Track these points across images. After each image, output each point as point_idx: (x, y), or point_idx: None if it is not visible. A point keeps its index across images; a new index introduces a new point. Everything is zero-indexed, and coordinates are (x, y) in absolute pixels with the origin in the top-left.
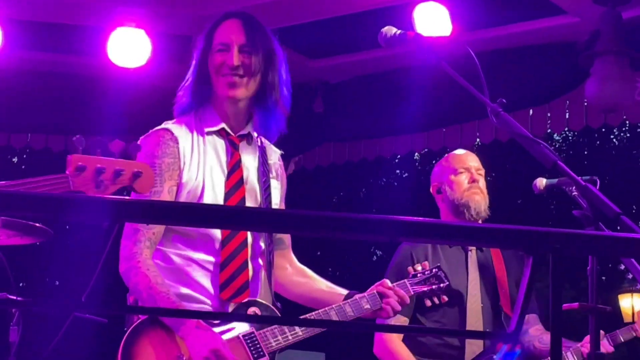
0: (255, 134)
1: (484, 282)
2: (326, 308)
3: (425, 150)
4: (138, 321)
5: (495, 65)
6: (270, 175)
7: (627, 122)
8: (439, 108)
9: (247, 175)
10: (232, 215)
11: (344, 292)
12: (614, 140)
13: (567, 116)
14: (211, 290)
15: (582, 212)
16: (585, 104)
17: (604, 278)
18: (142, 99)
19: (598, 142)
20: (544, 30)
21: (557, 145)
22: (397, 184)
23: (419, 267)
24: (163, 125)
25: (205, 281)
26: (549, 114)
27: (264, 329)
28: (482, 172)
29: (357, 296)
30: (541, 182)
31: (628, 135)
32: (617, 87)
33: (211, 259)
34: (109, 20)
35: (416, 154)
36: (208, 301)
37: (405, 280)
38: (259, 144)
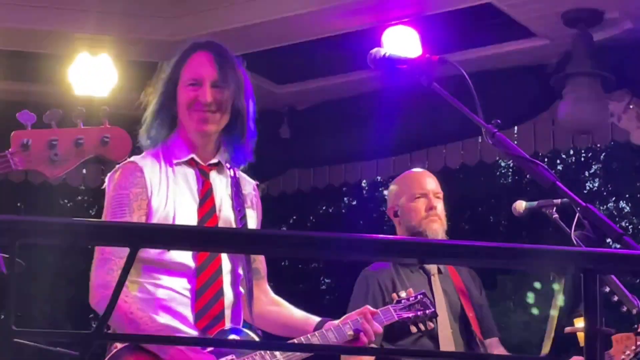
0: (226, 164)
1: (450, 306)
2: (308, 335)
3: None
4: (118, 348)
5: (464, 89)
6: (245, 205)
7: (596, 145)
8: (406, 133)
9: (219, 204)
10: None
11: (317, 319)
12: (560, 165)
13: (534, 139)
14: (190, 318)
15: (582, 233)
16: (553, 127)
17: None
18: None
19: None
20: (514, 53)
21: (503, 172)
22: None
23: (403, 294)
24: (128, 160)
25: (184, 309)
26: (515, 137)
27: (245, 356)
28: (441, 195)
29: (339, 322)
30: (520, 205)
31: (573, 159)
32: (591, 109)
33: (187, 286)
34: (73, 47)
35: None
36: (190, 330)
37: (389, 306)
38: (232, 174)
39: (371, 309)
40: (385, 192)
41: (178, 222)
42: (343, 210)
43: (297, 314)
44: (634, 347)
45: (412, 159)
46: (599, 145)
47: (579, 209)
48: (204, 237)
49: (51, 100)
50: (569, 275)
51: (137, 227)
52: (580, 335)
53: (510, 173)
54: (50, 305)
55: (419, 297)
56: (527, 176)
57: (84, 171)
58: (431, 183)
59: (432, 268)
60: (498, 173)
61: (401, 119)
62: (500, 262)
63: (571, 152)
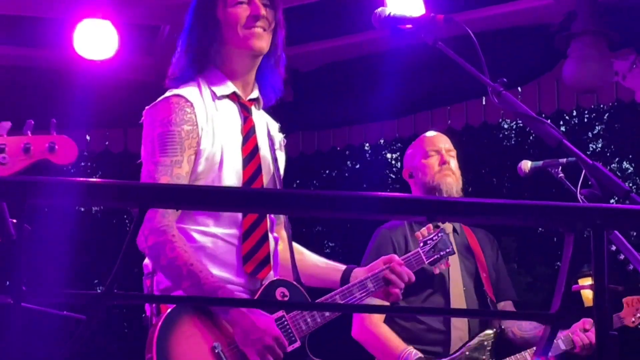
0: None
1: (465, 266)
2: (348, 286)
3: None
4: (170, 308)
5: (469, 49)
6: (275, 146)
7: (600, 105)
8: (409, 95)
9: (260, 143)
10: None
11: (342, 267)
12: (563, 126)
13: (538, 99)
14: (235, 265)
15: (590, 191)
16: (557, 86)
17: (558, 264)
18: (110, 92)
19: None
20: (518, 13)
21: (506, 133)
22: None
23: (425, 232)
24: (172, 92)
25: (230, 257)
26: (520, 97)
27: (294, 312)
28: (454, 153)
29: (360, 278)
30: (526, 164)
31: (576, 121)
32: (596, 68)
33: (233, 231)
34: (75, 11)
35: (382, 140)
36: (237, 279)
37: (419, 249)
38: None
39: (397, 257)
40: (389, 155)
41: (225, 161)
42: (346, 174)
43: (321, 262)
44: None
45: (416, 120)
46: (602, 105)
47: (585, 167)
48: (214, 198)
49: (53, 64)
50: (578, 232)
51: (147, 187)
52: (585, 294)
53: (513, 135)
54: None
55: (440, 235)
56: (530, 138)
57: (88, 137)
58: (444, 141)
59: (448, 227)
60: (501, 135)
61: (405, 81)
62: (510, 218)
63: (574, 113)
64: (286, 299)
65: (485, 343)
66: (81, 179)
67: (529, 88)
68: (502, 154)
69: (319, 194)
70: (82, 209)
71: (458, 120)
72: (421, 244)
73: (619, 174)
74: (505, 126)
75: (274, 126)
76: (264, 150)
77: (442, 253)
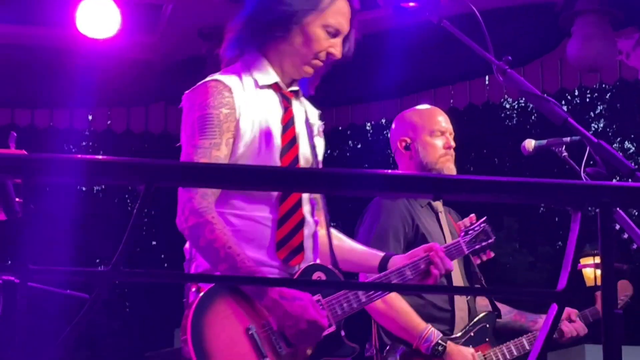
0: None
1: (463, 265)
2: (386, 273)
3: None
4: (205, 290)
5: (473, 27)
6: (314, 133)
7: (602, 85)
8: (413, 74)
9: (299, 133)
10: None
11: (380, 253)
12: (565, 106)
13: (541, 78)
14: (270, 248)
15: (595, 169)
16: (561, 65)
17: (560, 243)
18: (112, 71)
19: None
20: None
21: (508, 113)
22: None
23: (467, 222)
24: (212, 77)
25: (265, 241)
26: (523, 76)
27: (330, 296)
28: (453, 136)
29: (399, 265)
30: (530, 143)
31: (578, 100)
32: (600, 47)
33: (269, 215)
34: None
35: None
36: (272, 262)
37: (460, 239)
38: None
39: (438, 245)
40: None
41: (264, 148)
42: (348, 154)
43: (359, 248)
44: (623, 297)
45: (419, 99)
46: (604, 85)
47: (590, 145)
48: (218, 174)
49: (55, 43)
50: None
51: (152, 164)
52: (586, 273)
53: (515, 115)
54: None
55: (482, 225)
56: (532, 117)
57: (90, 117)
58: (448, 122)
59: (439, 205)
60: (503, 114)
61: (408, 60)
62: (518, 196)
63: (576, 92)
64: None
65: (487, 325)
66: (87, 155)
67: (532, 67)
68: (504, 133)
69: (325, 172)
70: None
71: (461, 99)
72: (462, 234)
73: (620, 154)
74: (507, 106)
75: (313, 113)
76: (303, 140)
77: (483, 244)
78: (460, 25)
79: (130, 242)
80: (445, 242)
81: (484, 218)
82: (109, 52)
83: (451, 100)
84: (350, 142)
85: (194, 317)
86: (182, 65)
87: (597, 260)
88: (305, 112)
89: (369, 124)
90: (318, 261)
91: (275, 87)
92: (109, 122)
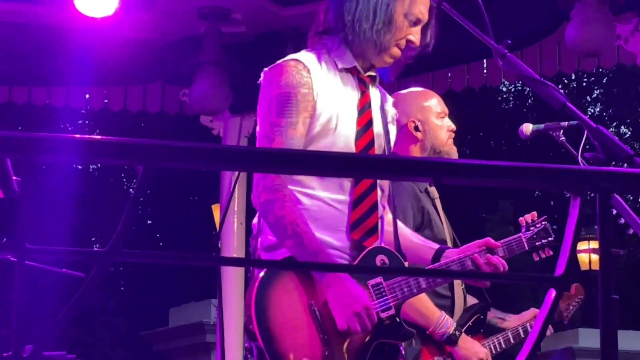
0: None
1: (450, 232)
2: (447, 261)
3: None
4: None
5: (469, 10)
6: (388, 120)
7: (599, 69)
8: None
9: (374, 117)
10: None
11: (435, 245)
12: (562, 89)
13: (540, 62)
14: (342, 231)
15: (593, 154)
16: (559, 49)
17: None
18: (110, 50)
19: None
20: None
21: (504, 96)
22: None
23: (528, 218)
24: (292, 56)
25: (334, 221)
26: (521, 59)
27: (391, 279)
28: None
29: (468, 253)
30: (527, 127)
31: (574, 85)
32: (599, 31)
33: (343, 197)
34: None
35: None
36: (339, 244)
37: (521, 234)
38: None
39: (492, 241)
40: None
41: (339, 129)
42: None
43: (415, 238)
44: (572, 306)
45: (416, 82)
46: (601, 70)
47: (589, 130)
48: (219, 155)
49: (53, 21)
50: (584, 194)
51: (151, 145)
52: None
53: (511, 98)
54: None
55: (544, 223)
56: (529, 101)
57: (87, 95)
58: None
59: (434, 192)
60: (499, 98)
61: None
62: (517, 181)
63: (573, 77)
64: (386, 266)
65: (482, 317)
66: (85, 136)
67: (531, 50)
68: (501, 117)
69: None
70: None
71: (459, 82)
72: (524, 229)
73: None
74: (504, 89)
75: (389, 100)
76: (377, 125)
77: (543, 241)
78: (460, 8)
79: (128, 222)
80: (444, 229)
81: (544, 217)
82: (107, 30)
83: (449, 82)
84: None
85: (258, 293)
86: (180, 44)
87: (592, 244)
88: (380, 98)
89: None
90: (382, 244)
91: (353, 70)
92: (105, 100)
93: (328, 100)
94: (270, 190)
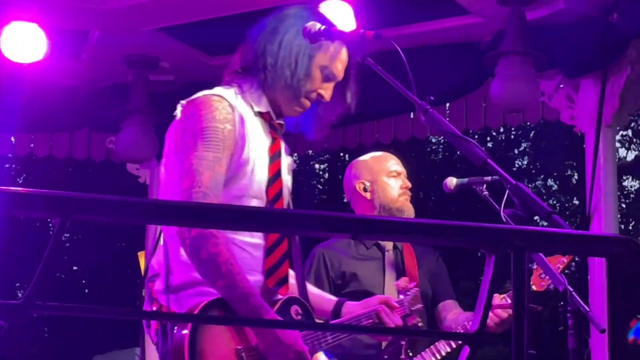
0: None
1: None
2: (353, 316)
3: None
4: (203, 304)
5: (397, 65)
6: (288, 173)
7: (527, 123)
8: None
9: (283, 166)
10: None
11: (334, 298)
12: (490, 142)
13: (466, 116)
14: (256, 276)
15: (513, 210)
16: (485, 104)
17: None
18: (37, 96)
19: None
20: (447, 30)
21: (433, 148)
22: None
23: (402, 283)
24: (215, 91)
25: (251, 266)
26: (448, 113)
27: (302, 332)
28: (407, 179)
29: (355, 314)
30: (451, 181)
31: (502, 137)
32: (522, 87)
33: (259, 242)
34: (3, 14)
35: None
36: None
37: (402, 297)
38: None
39: (393, 301)
40: (317, 166)
41: (255, 173)
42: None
43: (313, 290)
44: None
45: (345, 133)
46: (529, 123)
47: (509, 186)
48: (139, 210)
49: None
50: (499, 252)
51: (68, 198)
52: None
53: (440, 149)
54: None
55: (416, 289)
56: (458, 153)
57: (13, 139)
58: (402, 167)
59: (388, 244)
60: (429, 149)
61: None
62: (432, 238)
63: (501, 129)
64: (299, 317)
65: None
66: (2, 187)
67: (457, 104)
68: (430, 168)
69: (249, 210)
70: None
71: (386, 135)
72: (401, 295)
73: (543, 191)
74: (433, 140)
75: (285, 148)
76: (285, 174)
77: (417, 307)
78: (386, 63)
79: (44, 274)
80: (383, 281)
81: (415, 283)
82: (34, 77)
83: (376, 136)
84: None
85: (190, 340)
86: (107, 92)
87: None
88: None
89: (295, 155)
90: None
91: (266, 115)
92: (31, 145)
93: (247, 141)
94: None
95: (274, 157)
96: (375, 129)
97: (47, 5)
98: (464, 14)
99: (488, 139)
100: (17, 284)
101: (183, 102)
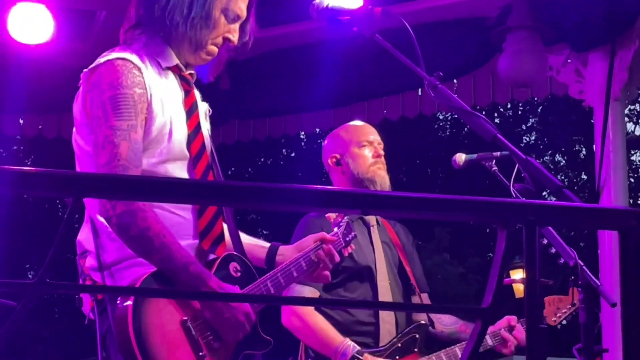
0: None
1: (388, 259)
2: (277, 270)
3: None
4: (145, 276)
5: (405, 41)
6: (205, 119)
7: (535, 98)
8: (346, 85)
9: (201, 118)
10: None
11: (266, 244)
12: (497, 118)
13: (473, 92)
14: (189, 240)
15: (523, 185)
16: (492, 80)
17: (490, 254)
18: (44, 77)
19: None
20: (455, 6)
21: (441, 124)
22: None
23: (333, 215)
24: (117, 55)
25: (183, 231)
26: (455, 89)
27: (248, 286)
28: (382, 146)
29: (292, 258)
30: (460, 157)
31: (510, 113)
32: (530, 62)
33: (188, 205)
34: None
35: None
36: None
37: (336, 228)
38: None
39: (327, 235)
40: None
41: (173, 133)
42: (281, 162)
43: (246, 239)
44: (565, 310)
45: (352, 111)
46: (536, 99)
47: (518, 161)
48: (147, 188)
49: None
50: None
51: (80, 177)
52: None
53: (448, 126)
54: None
55: (345, 218)
56: (465, 129)
57: (21, 121)
58: (376, 134)
59: (371, 219)
60: (436, 126)
61: (341, 71)
62: (443, 214)
63: (509, 105)
64: (239, 274)
65: (417, 335)
66: (13, 167)
67: (465, 80)
68: (437, 145)
69: (253, 187)
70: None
71: (394, 111)
72: (335, 228)
73: (551, 167)
74: (441, 117)
75: (199, 95)
76: (204, 126)
77: (350, 236)
78: (395, 39)
79: (57, 253)
80: (374, 256)
81: (343, 216)
82: (41, 58)
83: (384, 111)
84: (284, 150)
85: (134, 317)
86: None
87: None
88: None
89: (302, 134)
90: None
91: (174, 69)
92: (40, 127)
93: (160, 101)
94: (124, 201)
95: (191, 110)
96: (383, 105)
97: None
98: None
99: (495, 114)
100: (27, 265)
101: (86, 70)
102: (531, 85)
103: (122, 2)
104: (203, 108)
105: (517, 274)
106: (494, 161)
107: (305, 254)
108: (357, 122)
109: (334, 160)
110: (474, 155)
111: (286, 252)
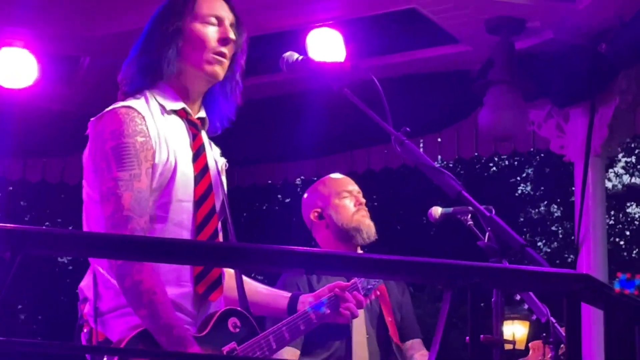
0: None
1: (369, 311)
2: (295, 316)
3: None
4: (131, 336)
5: (388, 93)
6: (219, 169)
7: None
8: (328, 135)
9: (209, 162)
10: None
11: (287, 294)
12: (494, 168)
13: (457, 144)
14: (186, 285)
15: (486, 243)
16: (476, 133)
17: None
18: (30, 121)
19: (477, 170)
20: (437, 59)
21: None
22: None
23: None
24: (123, 103)
25: (179, 275)
26: (439, 140)
27: (244, 343)
28: (362, 194)
29: (302, 310)
30: (436, 211)
31: (506, 163)
32: (510, 116)
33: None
34: None
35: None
36: (183, 300)
37: (356, 279)
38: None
39: (342, 282)
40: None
41: (178, 176)
42: (276, 207)
43: (264, 289)
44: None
45: (337, 160)
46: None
47: (482, 218)
48: (91, 243)
49: None
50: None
51: (20, 231)
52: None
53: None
54: None
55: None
56: (461, 176)
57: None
58: (354, 184)
59: None
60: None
61: (326, 121)
62: (390, 274)
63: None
64: (238, 329)
65: None
66: None
67: (448, 132)
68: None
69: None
70: None
71: (378, 162)
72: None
73: (547, 217)
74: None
75: (217, 150)
76: (213, 170)
77: (373, 283)
78: (371, 93)
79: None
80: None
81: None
82: (26, 102)
83: (368, 162)
84: (279, 196)
85: None
86: None
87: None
88: (210, 144)
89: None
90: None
91: (181, 113)
92: (24, 171)
93: (165, 147)
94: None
95: (198, 153)
96: (367, 155)
97: (37, 31)
98: (454, 42)
99: (491, 164)
100: None
101: (93, 118)
102: (511, 139)
103: (106, 48)
104: (220, 162)
105: (506, 327)
106: (469, 215)
107: (329, 298)
108: (335, 175)
109: (316, 214)
110: (450, 209)
111: (306, 301)
